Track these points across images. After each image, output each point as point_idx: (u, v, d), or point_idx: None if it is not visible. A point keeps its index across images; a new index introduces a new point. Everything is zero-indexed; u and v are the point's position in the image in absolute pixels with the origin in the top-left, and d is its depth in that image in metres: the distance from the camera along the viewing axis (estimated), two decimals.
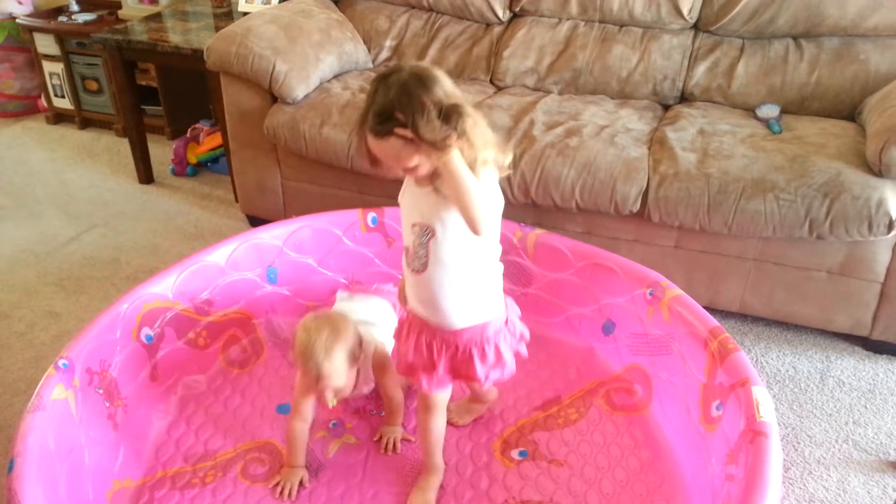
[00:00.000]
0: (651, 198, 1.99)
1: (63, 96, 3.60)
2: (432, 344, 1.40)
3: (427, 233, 1.29)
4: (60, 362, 1.53)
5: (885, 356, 2.02)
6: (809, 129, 2.14)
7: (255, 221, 2.60)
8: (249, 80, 2.38)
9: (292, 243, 2.07)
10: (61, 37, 3.40)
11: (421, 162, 1.19)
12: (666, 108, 2.43)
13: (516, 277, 2.02)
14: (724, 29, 2.42)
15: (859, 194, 1.83)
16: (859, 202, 1.82)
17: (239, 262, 1.99)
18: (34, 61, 3.60)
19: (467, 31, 2.72)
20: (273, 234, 2.06)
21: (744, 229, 1.93)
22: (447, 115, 1.14)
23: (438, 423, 1.51)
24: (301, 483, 1.56)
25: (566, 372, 1.89)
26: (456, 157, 1.15)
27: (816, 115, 2.28)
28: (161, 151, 3.23)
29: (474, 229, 1.20)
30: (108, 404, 1.62)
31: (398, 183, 1.38)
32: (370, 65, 2.73)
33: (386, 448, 1.66)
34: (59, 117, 3.71)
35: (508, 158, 1.29)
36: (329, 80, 2.53)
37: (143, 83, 3.26)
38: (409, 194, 1.34)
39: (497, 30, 2.68)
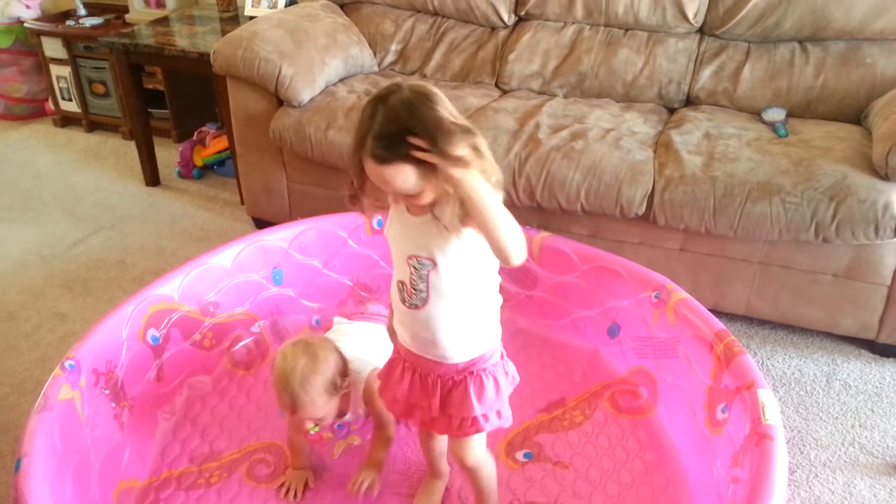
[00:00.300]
0: (656, 201, 1.99)
1: (70, 99, 3.62)
2: (426, 381, 1.30)
3: (426, 265, 1.18)
4: (67, 363, 1.53)
5: (891, 359, 2.02)
6: (815, 132, 2.13)
7: (261, 224, 2.61)
8: (255, 84, 2.40)
9: (298, 245, 2.08)
10: (69, 41, 3.42)
11: (427, 188, 1.09)
12: (671, 111, 2.43)
13: (521, 280, 2.02)
14: (729, 33, 2.42)
15: (865, 197, 1.82)
16: (865, 205, 1.82)
17: (245, 263, 1.99)
18: (41, 65, 3.62)
19: (472, 34, 2.73)
20: (279, 237, 2.07)
21: (749, 232, 1.93)
22: (463, 132, 1.06)
23: (439, 442, 1.49)
24: (306, 484, 1.56)
25: (571, 374, 1.89)
26: (480, 179, 1.06)
27: (822, 119, 2.27)
28: (167, 154, 3.24)
29: (506, 258, 1.09)
30: (114, 405, 1.62)
31: None
32: (376, 68, 2.74)
33: (353, 485, 1.52)
34: (66, 120, 3.72)
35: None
36: (335, 84, 2.53)
37: (150, 87, 3.28)
38: (399, 225, 1.23)
39: (502, 33, 2.69)
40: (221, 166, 3.15)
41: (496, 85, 2.64)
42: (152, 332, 1.77)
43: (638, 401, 1.79)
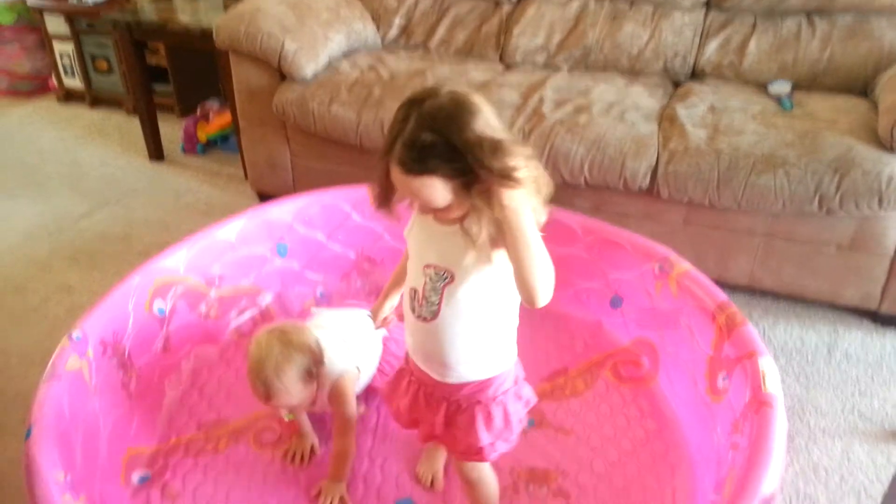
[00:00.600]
0: (660, 174, 1.99)
1: (73, 76, 3.62)
2: (431, 398, 1.24)
3: (444, 277, 1.09)
4: (74, 334, 1.55)
5: (892, 329, 2.03)
6: (821, 105, 2.13)
7: (265, 198, 2.62)
8: (258, 59, 2.39)
9: (302, 218, 2.08)
10: (71, 17, 3.41)
11: (456, 204, 1.00)
12: (676, 85, 2.42)
13: None
14: (735, 6, 2.41)
15: (870, 169, 1.82)
16: (870, 177, 1.82)
17: (249, 237, 2.00)
18: (44, 41, 3.62)
19: (476, 8, 2.71)
20: (283, 210, 2.07)
21: (753, 205, 1.93)
22: (512, 145, 0.96)
23: (439, 452, 1.51)
24: (312, 450, 1.59)
25: (574, 345, 1.90)
26: (524, 205, 0.98)
27: (829, 92, 2.26)
28: (171, 130, 3.25)
29: (532, 298, 1.00)
30: (122, 374, 1.64)
31: None
32: (379, 43, 2.73)
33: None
34: (69, 96, 3.73)
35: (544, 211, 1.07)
36: (338, 59, 2.53)
37: (153, 63, 3.27)
38: (421, 230, 1.14)
39: (506, 7, 2.67)
40: (225, 142, 3.15)
41: (500, 59, 2.63)
42: (158, 303, 1.79)
43: (640, 370, 1.80)
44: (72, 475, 1.30)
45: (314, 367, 1.42)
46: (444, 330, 1.12)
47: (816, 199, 1.87)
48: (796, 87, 2.26)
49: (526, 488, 1.51)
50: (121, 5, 3.20)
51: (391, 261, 2.09)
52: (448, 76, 2.41)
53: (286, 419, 1.49)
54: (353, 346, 1.58)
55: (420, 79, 2.36)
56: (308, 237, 2.10)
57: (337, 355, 1.50)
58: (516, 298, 1.11)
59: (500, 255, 1.05)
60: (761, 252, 2.03)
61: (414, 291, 1.14)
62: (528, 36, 2.58)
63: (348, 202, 2.13)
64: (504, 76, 2.44)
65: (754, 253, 2.04)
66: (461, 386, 1.18)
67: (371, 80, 2.35)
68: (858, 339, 1.99)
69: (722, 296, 1.66)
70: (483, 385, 1.18)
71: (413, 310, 1.15)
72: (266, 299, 2.03)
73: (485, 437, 1.20)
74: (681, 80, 2.45)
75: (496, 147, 0.95)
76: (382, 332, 1.66)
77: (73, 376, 1.48)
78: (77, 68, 3.57)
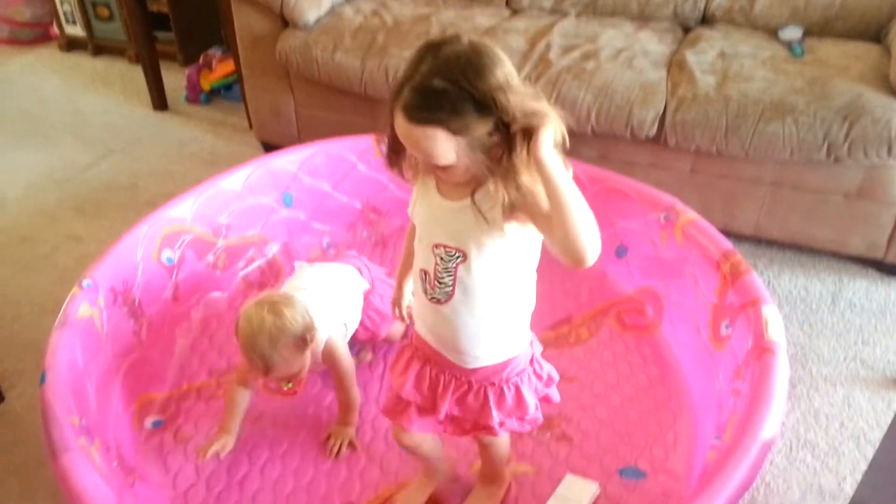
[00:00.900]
0: (668, 122, 1.97)
1: (75, 23, 3.57)
2: (439, 379, 1.17)
3: (456, 257, 1.02)
4: (84, 282, 1.57)
5: None
6: (832, 51, 2.09)
7: (270, 148, 2.60)
8: (260, 4, 2.35)
9: (307, 168, 2.08)
10: None
11: (460, 164, 0.93)
12: (686, 30, 2.37)
13: None
14: None
15: (880, 117, 1.80)
16: (879, 125, 1.79)
17: (254, 187, 2.01)
18: None
19: None
20: (288, 160, 2.07)
21: (761, 153, 1.92)
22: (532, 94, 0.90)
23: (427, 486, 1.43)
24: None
25: (578, 294, 1.91)
26: (556, 156, 0.89)
27: (841, 38, 2.22)
28: (174, 78, 3.21)
29: (580, 257, 0.89)
30: (132, 322, 1.67)
31: None
32: None
33: (330, 452, 1.50)
34: (71, 45, 3.68)
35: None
36: (341, 4, 2.49)
37: (155, 9, 3.21)
38: (427, 207, 1.07)
39: None
40: (229, 91, 3.12)
41: (507, 4, 2.58)
42: (167, 252, 1.80)
43: (643, 319, 1.82)
44: (86, 420, 1.33)
45: (308, 332, 1.40)
46: (459, 312, 1.07)
47: (825, 146, 1.85)
48: (808, 32, 2.22)
49: (530, 433, 1.53)
50: None
51: (397, 211, 2.10)
52: (453, 21, 2.37)
53: (285, 388, 1.47)
54: (337, 304, 1.58)
55: (424, 24, 2.32)
56: (313, 187, 2.10)
57: (324, 316, 1.49)
58: (532, 274, 1.09)
59: (513, 227, 0.99)
60: (768, 201, 2.02)
61: (424, 273, 1.08)
62: None
63: (354, 152, 2.13)
64: (510, 21, 2.39)
65: (761, 202, 2.03)
66: (475, 370, 1.14)
67: (375, 26, 2.31)
68: (863, 288, 2.00)
69: (727, 244, 1.66)
70: (497, 369, 1.14)
71: (425, 292, 1.09)
72: (273, 249, 2.05)
73: (496, 416, 1.17)
74: (691, 25, 2.40)
75: (522, 92, 0.89)
76: (364, 285, 1.69)
77: (85, 323, 1.51)
78: (78, 16, 3.52)
